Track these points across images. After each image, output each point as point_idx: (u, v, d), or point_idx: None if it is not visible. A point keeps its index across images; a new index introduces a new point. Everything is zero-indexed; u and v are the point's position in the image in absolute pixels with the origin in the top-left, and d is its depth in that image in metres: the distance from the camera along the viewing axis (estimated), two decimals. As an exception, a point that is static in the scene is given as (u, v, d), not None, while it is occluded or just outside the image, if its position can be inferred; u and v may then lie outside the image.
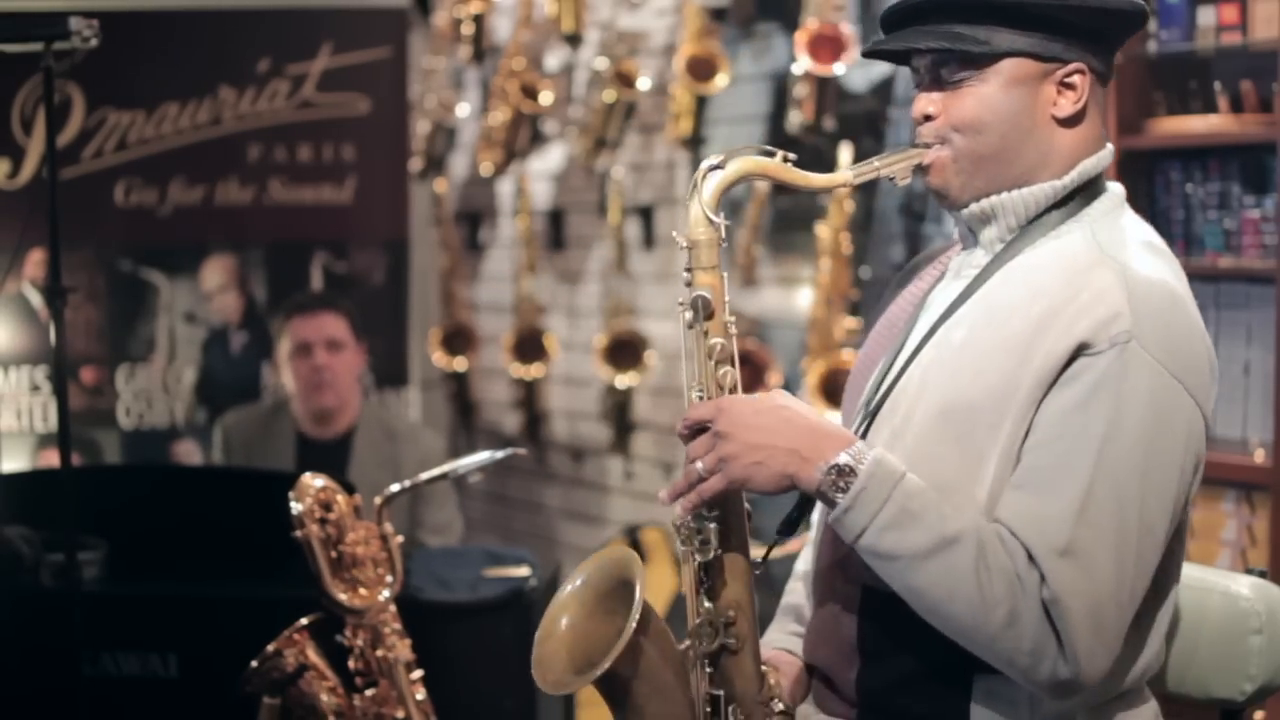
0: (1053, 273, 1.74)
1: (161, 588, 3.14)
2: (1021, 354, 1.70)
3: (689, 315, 1.79)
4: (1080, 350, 1.67)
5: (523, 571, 3.29)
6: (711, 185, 1.79)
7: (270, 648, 2.65)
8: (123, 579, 3.14)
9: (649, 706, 1.79)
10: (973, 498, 1.70)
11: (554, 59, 5.32)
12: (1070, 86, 1.80)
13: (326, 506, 2.64)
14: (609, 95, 4.74)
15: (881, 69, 4.06)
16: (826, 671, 1.89)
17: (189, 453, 4.63)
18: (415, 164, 5.48)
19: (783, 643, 2.02)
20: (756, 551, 1.83)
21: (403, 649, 2.67)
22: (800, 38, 3.97)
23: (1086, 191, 1.82)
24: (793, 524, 1.92)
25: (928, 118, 1.83)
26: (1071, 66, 1.79)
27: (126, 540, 3.15)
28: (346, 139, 4.68)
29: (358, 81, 4.66)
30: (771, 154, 1.80)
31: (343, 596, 2.63)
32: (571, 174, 5.32)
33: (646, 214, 4.95)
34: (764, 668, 1.84)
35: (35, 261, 4.48)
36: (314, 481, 2.65)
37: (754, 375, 4.47)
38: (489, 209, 5.85)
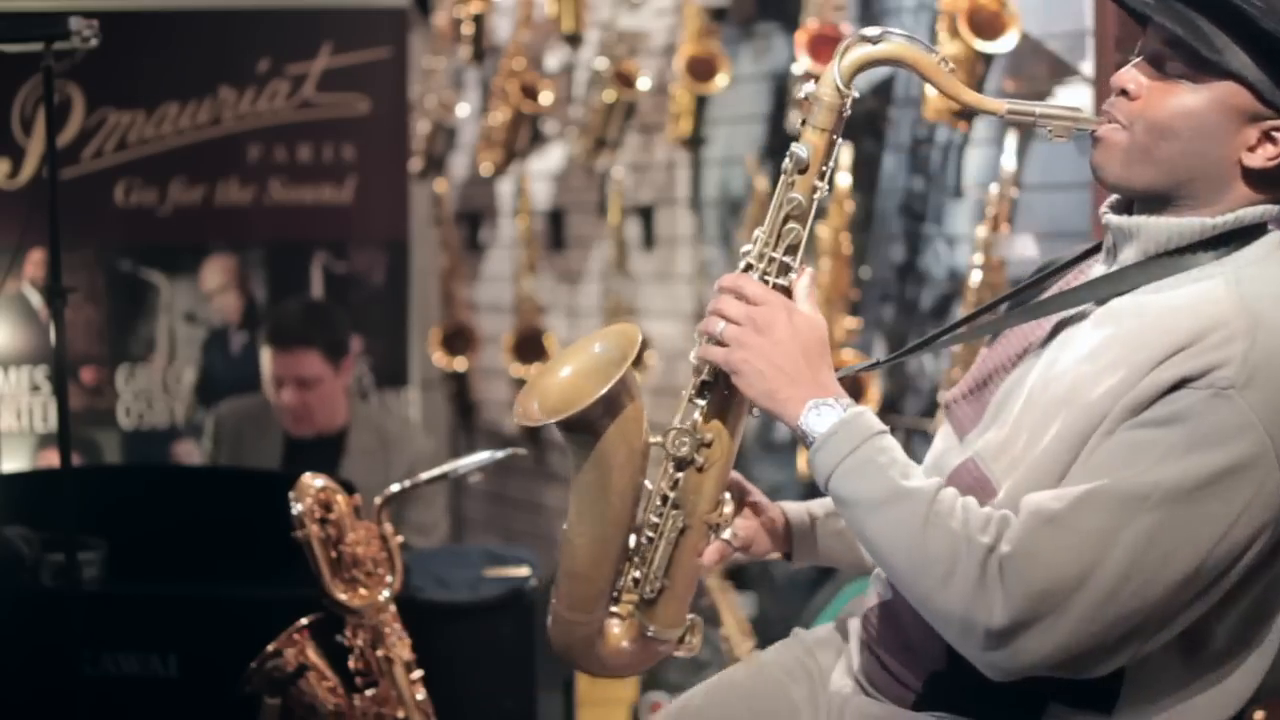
0: (1187, 316, 1.63)
1: (161, 588, 3.13)
2: (1131, 380, 1.63)
3: (786, 163, 1.78)
4: (1180, 384, 1.59)
5: (523, 571, 3.29)
6: (853, 56, 1.78)
7: (270, 648, 2.65)
8: (123, 579, 3.13)
9: (599, 474, 1.86)
10: (1051, 478, 1.65)
11: (554, 59, 5.32)
12: (1274, 140, 1.65)
13: (326, 506, 2.64)
14: (609, 95, 4.74)
15: (881, 70, 4.04)
16: (888, 660, 1.85)
17: (189, 453, 4.62)
18: (415, 164, 5.48)
19: (805, 508, 2.02)
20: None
21: (403, 649, 2.67)
22: (800, 38, 3.96)
23: (1239, 236, 1.70)
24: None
25: (1124, 93, 1.71)
26: None
27: (126, 540, 3.14)
28: (346, 139, 4.67)
29: (358, 81, 4.66)
30: (933, 50, 1.76)
31: (343, 596, 2.63)
32: (571, 174, 5.32)
33: (646, 214, 4.94)
34: (725, 496, 1.87)
35: (35, 261, 4.47)
36: (314, 481, 2.65)
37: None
38: (489, 209, 5.85)
